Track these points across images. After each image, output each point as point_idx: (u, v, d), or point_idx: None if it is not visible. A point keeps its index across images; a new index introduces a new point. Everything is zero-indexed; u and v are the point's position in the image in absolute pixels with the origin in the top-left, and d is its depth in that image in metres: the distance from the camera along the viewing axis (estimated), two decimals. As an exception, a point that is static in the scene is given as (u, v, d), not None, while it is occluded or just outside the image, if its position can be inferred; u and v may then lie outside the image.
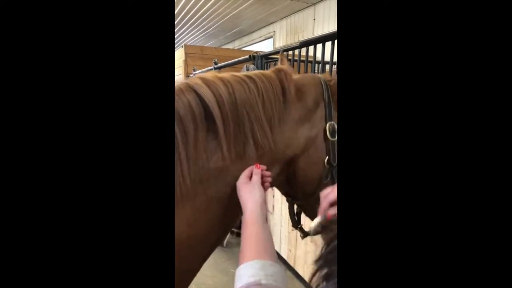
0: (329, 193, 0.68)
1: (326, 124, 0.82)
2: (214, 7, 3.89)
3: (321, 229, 0.62)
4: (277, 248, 3.03)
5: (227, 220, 0.74)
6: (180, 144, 0.63)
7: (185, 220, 0.65)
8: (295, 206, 0.98)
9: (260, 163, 0.73)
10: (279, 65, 0.83)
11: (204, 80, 0.69)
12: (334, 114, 0.83)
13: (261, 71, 0.80)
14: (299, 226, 0.99)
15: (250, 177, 0.69)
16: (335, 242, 0.40)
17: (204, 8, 3.95)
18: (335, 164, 0.82)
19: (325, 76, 0.89)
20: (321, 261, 0.40)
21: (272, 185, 0.82)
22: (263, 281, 0.48)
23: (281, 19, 4.39)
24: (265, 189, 0.71)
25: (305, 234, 0.98)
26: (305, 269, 2.54)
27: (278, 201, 2.85)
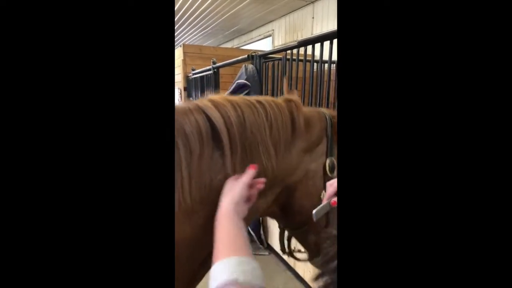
0: (335, 181, 0.70)
1: (326, 159, 0.83)
2: (212, 6, 3.87)
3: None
4: (277, 249, 3.02)
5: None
6: (184, 162, 0.63)
7: (182, 234, 0.64)
8: (286, 233, 0.99)
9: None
10: (289, 96, 0.85)
11: (213, 102, 0.70)
12: (335, 149, 0.85)
13: (272, 98, 0.82)
14: (287, 251, 0.99)
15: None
16: (335, 263, 0.39)
17: (202, 7, 3.93)
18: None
19: (330, 112, 0.91)
20: (322, 283, 0.39)
21: (266, 214, 0.85)
22: (241, 279, 0.45)
23: (280, 17, 4.37)
24: (252, 195, 0.70)
25: (296, 258, 1.00)
26: (305, 269, 2.53)
27: (278, 201, 2.84)
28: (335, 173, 0.83)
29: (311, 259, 0.96)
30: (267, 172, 0.73)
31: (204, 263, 0.76)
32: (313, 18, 3.78)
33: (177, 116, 0.64)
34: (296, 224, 0.88)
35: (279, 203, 0.84)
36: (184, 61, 3.58)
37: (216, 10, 4.05)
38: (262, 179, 0.72)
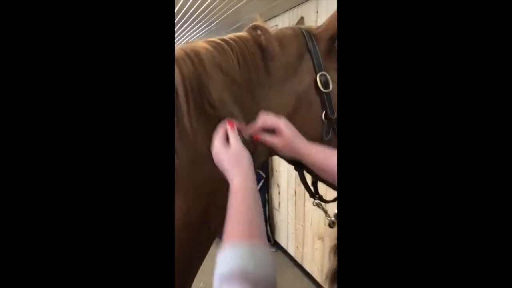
0: (270, 119, 0.64)
1: (316, 75, 0.74)
2: (215, 3, 3.85)
3: None
4: (284, 246, 3.01)
5: (220, 205, 0.65)
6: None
7: (179, 207, 0.60)
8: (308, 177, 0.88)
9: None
10: (254, 23, 0.75)
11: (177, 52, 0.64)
12: (326, 63, 0.75)
13: (236, 33, 0.73)
14: (317, 196, 0.90)
15: (227, 139, 0.61)
16: None
17: (205, 4, 3.91)
18: (334, 117, 0.74)
19: (309, 27, 0.81)
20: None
21: (272, 154, 0.76)
22: (251, 268, 0.40)
23: (283, 12, 4.33)
24: (254, 141, 0.65)
25: (325, 201, 0.90)
26: (313, 266, 2.51)
27: (284, 198, 2.82)
28: (331, 87, 0.74)
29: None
30: (252, 119, 0.66)
31: (205, 248, 0.71)
32: (317, 12, 3.74)
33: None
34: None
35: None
36: (187, 58, 3.57)
37: (219, 7, 4.02)
38: (254, 127, 0.65)
